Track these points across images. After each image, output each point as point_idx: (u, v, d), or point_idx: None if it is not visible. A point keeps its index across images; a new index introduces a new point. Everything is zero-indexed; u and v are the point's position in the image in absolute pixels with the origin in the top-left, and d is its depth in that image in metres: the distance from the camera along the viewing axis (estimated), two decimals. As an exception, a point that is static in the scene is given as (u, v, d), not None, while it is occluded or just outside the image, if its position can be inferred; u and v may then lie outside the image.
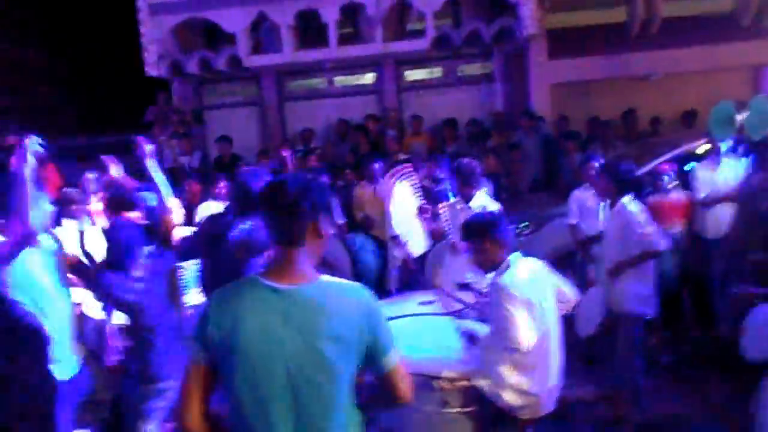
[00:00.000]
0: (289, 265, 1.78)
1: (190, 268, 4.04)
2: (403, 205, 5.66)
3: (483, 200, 4.66)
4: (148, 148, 3.32)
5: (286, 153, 5.23)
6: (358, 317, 1.78)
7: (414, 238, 5.64)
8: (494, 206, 4.38)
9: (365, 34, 9.64)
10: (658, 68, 9.35)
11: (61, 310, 3.06)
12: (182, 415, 1.77)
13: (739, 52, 9.03)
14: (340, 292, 1.81)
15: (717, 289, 5.36)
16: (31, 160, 2.74)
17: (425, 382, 3.01)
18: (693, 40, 9.06)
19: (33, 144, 2.79)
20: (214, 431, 1.80)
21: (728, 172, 5.38)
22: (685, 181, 5.63)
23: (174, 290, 3.47)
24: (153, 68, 9.70)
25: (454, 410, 3.03)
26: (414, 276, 5.63)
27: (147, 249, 3.30)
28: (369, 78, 10.59)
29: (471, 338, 3.07)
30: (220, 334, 1.72)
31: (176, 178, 8.79)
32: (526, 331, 2.78)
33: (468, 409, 3.03)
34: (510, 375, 2.87)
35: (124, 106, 11.89)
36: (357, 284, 1.86)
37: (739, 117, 4.71)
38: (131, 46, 10.16)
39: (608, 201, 4.16)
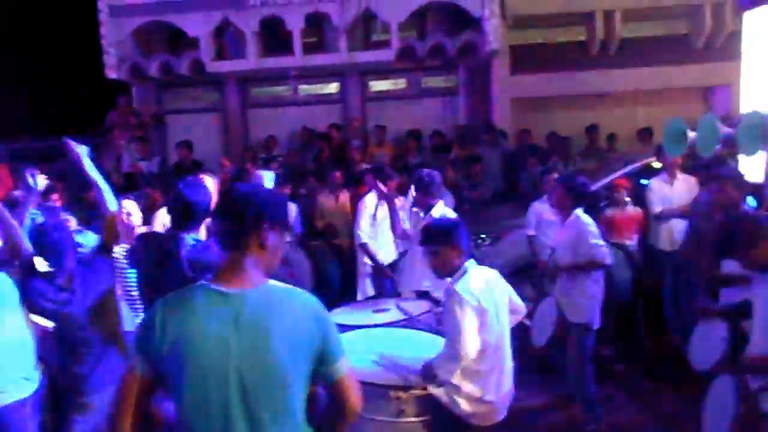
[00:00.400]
0: (235, 269, 1.76)
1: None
2: (370, 213, 5.67)
3: (442, 211, 4.69)
4: (82, 149, 3.18)
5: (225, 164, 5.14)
6: (307, 322, 1.74)
7: (384, 247, 5.64)
8: (452, 216, 4.41)
9: (330, 43, 9.66)
10: (615, 86, 9.63)
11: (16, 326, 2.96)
12: (114, 425, 1.72)
13: (691, 73, 9.37)
14: (288, 297, 1.77)
15: (669, 300, 5.50)
16: None
17: (380, 392, 2.98)
18: (649, 60, 9.37)
19: None
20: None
21: (682, 187, 5.55)
22: (640, 195, 5.78)
23: (110, 301, 3.35)
24: (113, 71, 9.53)
25: (410, 419, 3.00)
26: (387, 283, 5.60)
27: (82, 253, 3.20)
28: (333, 87, 10.60)
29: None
30: (166, 341, 1.67)
31: (134, 182, 8.64)
32: (471, 339, 2.79)
33: (423, 418, 3.02)
34: (464, 383, 2.87)
35: (84, 108, 11.60)
36: (303, 290, 1.82)
37: (691, 134, 4.86)
38: (92, 49, 9.94)
39: (563, 213, 4.24)
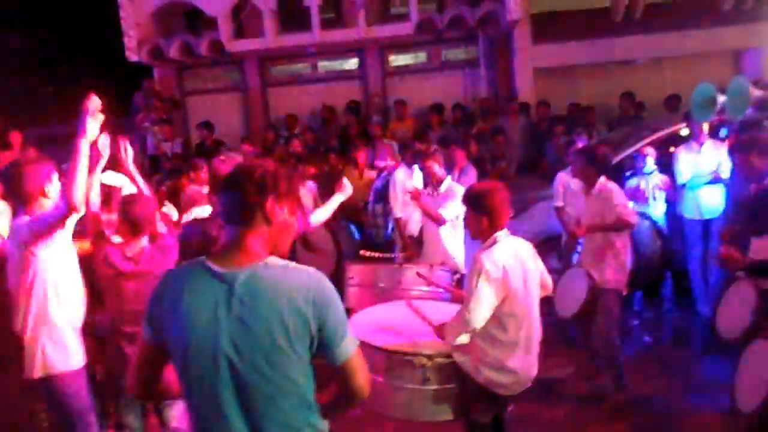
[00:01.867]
0: (235, 247, 1.72)
1: None
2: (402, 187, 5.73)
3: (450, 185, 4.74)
4: (95, 105, 2.91)
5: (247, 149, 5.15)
6: (305, 302, 1.66)
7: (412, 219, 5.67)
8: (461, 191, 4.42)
9: (348, 18, 9.57)
10: (640, 53, 9.39)
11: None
12: (129, 381, 1.85)
13: (720, 36, 9.07)
14: (285, 276, 1.70)
15: (696, 270, 5.42)
16: None
17: (405, 360, 3.02)
18: (675, 25, 9.09)
19: None
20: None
21: (710, 154, 5.42)
22: (668, 163, 5.66)
23: None
24: (134, 53, 9.58)
25: (435, 387, 3.03)
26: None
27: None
28: (353, 63, 10.52)
29: None
30: (164, 316, 1.70)
31: (158, 164, 8.75)
32: (482, 310, 2.77)
33: (449, 386, 3.04)
34: (489, 351, 2.87)
35: (107, 92, 11.71)
36: (309, 268, 1.76)
37: (720, 98, 4.73)
38: (113, 32, 10.00)
39: (586, 184, 4.20)
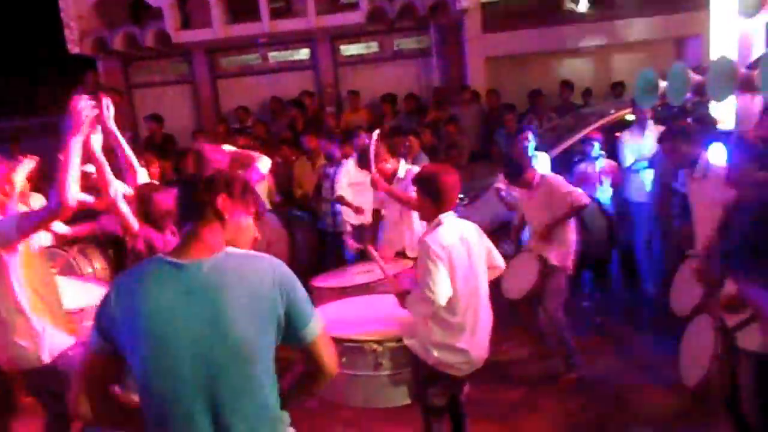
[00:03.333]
0: (192, 240, 1.72)
1: None
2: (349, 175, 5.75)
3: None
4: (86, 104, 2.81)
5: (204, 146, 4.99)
6: (269, 287, 1.67)
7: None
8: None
9: (298, 8, 9.45)
10: (587, 41, 9.58)
11: None
12: (76, 402, 1.68)
13: (662, 24, 9.35)
14: (247, 263, 1.71)
15: (642, 251, 5.58)
16: None
17: (356, 346, 3.03)
18: (620, 13, 9.32)
19: None
20: (120, 414, 1.74)
21: (653, 138, 5.58)
22: (614, 148, 5.81)
23: None
24: (75, 45, 9.25)
25: (388, 372, 3.05)
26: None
27: None
28: (304, 54, 10.42)
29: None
30: (122, 319, 1.62)
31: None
32: (442, 287, 2.81)
33: (403, 370, 3.06)
34: (437, 332, 2.90)
35: (51, 87, 11.30)
36: (266, 255, 1.77)
37: (662, 84, 4.87)
38: (55, 24, 9.63)
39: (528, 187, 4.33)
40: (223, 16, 9.13)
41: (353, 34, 10.02)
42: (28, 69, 12.72)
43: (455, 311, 2.89)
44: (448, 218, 2.96)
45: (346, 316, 3.46)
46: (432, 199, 2.95)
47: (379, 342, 3.04)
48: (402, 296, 3.02)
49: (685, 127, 4.23)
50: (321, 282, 4.24)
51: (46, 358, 2.95)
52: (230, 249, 1.73)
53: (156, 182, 4.94)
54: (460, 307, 2.89)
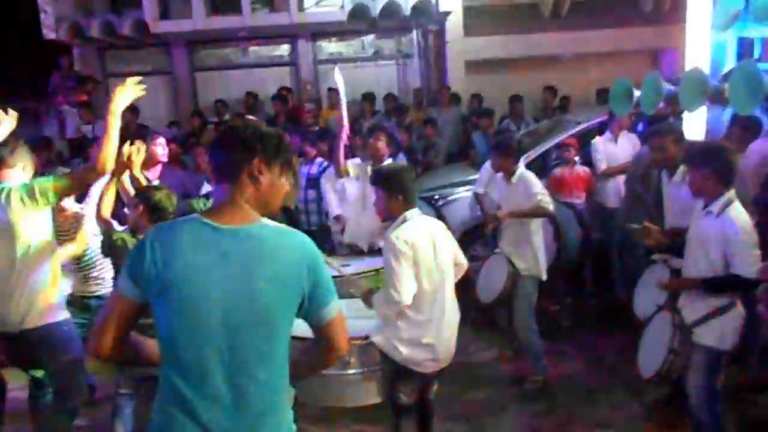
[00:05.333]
0: (228, 205, 1.74)
1: None
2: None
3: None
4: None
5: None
6: (298, 263, 1.73)
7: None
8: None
9: (280, 3, 9.40)
10: (567, 49, 9.71)
11: None
12: (96, 340, 1.72)
13: (640, 35, 9.51)
14: (281, 236, 1.76)
15: (615, 256, 5.66)
16: None
17: None
18: (599, 23, 9.46)
19: None
20: (138, 353, 1.80)
21: (626, 145, 5.67)
22: (588, 153, 5.88)
23: None
24: (51, 31, 9.08)
25: (357, 370, 3.05)
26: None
27: None
28: (284, 50, 10.37)
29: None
30: (155, 269, 1.66)
31: (79, 148, 8.34)
32: (407, 285, 2.82)
33: (371, 368, 3.06)
34: (403, 328, 2.91)
35: (25, 72, 11.05)
36: (298, 231, 1.81)
37: (636, 93, 4.95)
38: (31, 9, 9.43)
39: (505, 174, 4.31)
40: (204, 8, 9.03)
41: (335, 33, 10.00)
42: (2, 54, 12.46)
43: (420, 308, 2.90)
44: (413, 214, 2.98)
45: None
46: (397, 197, 2.96)
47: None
48: (366, 296, 3.02)
49: (673, 126, 4.29)
50: None
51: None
52: (265, 221, 1.76)
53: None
54: (425, 304, 2.90)
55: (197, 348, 1.66)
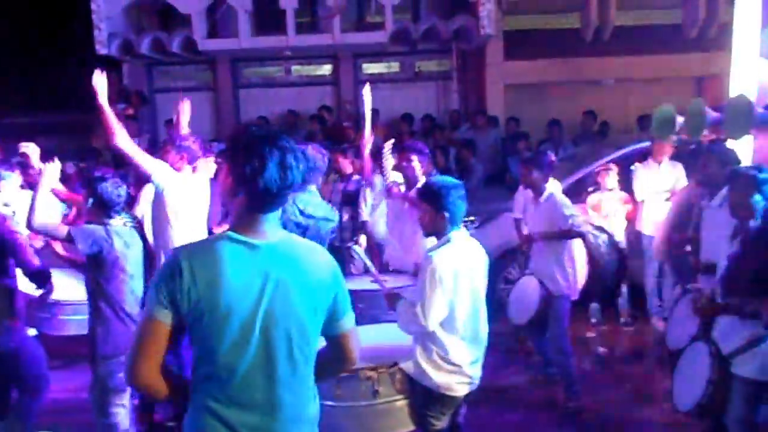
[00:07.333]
0: (257, 220, 1.75)
1: None
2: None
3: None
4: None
5: None
6: (326, 275, 1.81)
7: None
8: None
9: (323, 23, 9.59)
10: (609, 74, 9.64)
11: None
12: (135, 369, 1.69)
13: (684, 62, 9.38)
14: (308, 249, 1.84)
15: (653, 285, 5.55)
16: None
17: (350, 376, 2.86)
18: (642, 49, 9.36)
19: None
20: (168, 387, 1.76)
21: (668, 172, 5.58)
22: (628, 180, 5.80)
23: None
24: (103, 47, 9.42)
25: (386, 399, 2.94)
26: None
27: None
28: (326, 69, 10.55)
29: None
30: (196, 292, 1.65)
31: (123, 159, 8.58)
32: (436, 312, 2.75)
33: (400, 396, 2.96)
34: (434, 352, 2.84)
35: (76, 85, 11.49)
36: (318, 245, 1.89)
37: (679, 119, 4.88)
38: (84, 25, 9.82)
39: (535, 192, 4.29)
40: (250, 27, 9.27)
41: (376, 53, 10.14)
42: (56, 67, 12.96)
43: (454, 330, 2.84)
44: (457, 235, 2.90)
45: None
46: (438, 213, 2.85)
47: (373, 368, 2.93)
48: (391, 298, 2.99)
49: (723, 147, 4.22)
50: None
51: None
52: (292, 235, 1.84)
53: None
54: (459, 326, 2.85)
55: (238, 362, 1.70)
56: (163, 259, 3.68)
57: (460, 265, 2.83)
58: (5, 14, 12.97)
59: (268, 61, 10.39)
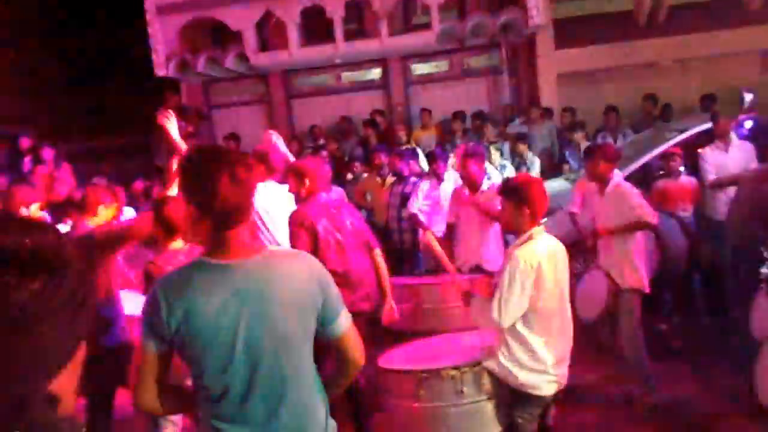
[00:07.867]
0: (229, 240, 1.75)
1: None
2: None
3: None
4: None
5: None
6: (308, 281, 1.80)
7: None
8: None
9: (371, 29, 9.66)
10: (666, 55, 9.30)
11: None
12: (135, 396, 1.78)
13: (745, 36, 8.93)
14: (288, 261, 1.84)
15: (728, 272, 5.31)
16: None
17: (433, 375, 2.89)
18: (700, 26, 8.99)
19: None
20: (177, 402, 1.86)
21: (738, 153, 5.34)
22: (696, 164, 5.59)
23: None
24: (162, 68, 9.78)
25: (472, 399, 2.91)
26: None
27: None
28: (376, 73, 10.61)
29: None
30: (175, 321, 1.69)
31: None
32: (512, 311, 2.73)
33: (484, 397, 2.92)
34: (518, 351, 2.81)
35: (136, 107, 12.00)
36: (301, 251, 1.90)
37: (747, 97, 4.68)
38: (140, 47, 10.24)
39: (600, 182, 4.17)
40: (299, 38, 9.44)
41: (424, 54, 10.13)
42: (117, 91, 13.54)
43: (538, 329, 2.81)
44: (539, 232, 2.85)
45: (425, 352, 3.31)
46: (525, 209, 2.80)
47: (456, 367, 2.90)
48: (466, 296, 2.98)
49: None
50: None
51: None
52: (271, 248, 1.85)
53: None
54: (543, 324, 2.81)
55: (228, 382, 1.73)
56: None
57: (544, 261, 2.78)
58: (66, 44, 13.67)
59: (318, 70, 10.54)
